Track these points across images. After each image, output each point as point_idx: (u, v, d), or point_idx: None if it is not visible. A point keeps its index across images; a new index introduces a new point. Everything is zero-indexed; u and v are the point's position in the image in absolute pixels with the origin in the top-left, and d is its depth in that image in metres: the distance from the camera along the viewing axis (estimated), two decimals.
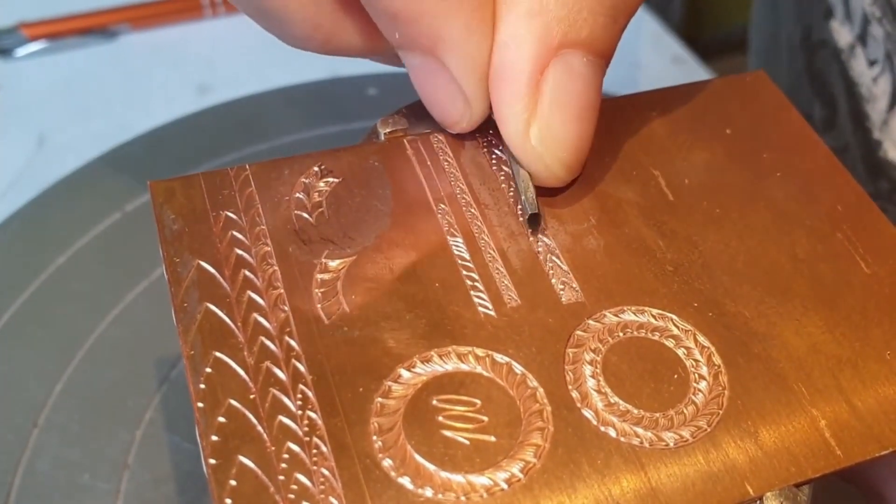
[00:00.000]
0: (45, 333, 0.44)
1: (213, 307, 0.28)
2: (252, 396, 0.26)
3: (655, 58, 0.64)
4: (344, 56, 0.33)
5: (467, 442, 0.26)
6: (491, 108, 0.31)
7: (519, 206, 0.31)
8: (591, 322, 0.29)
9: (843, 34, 0.53)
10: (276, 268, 0.29)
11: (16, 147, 0.54)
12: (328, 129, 0.54)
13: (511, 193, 0.31)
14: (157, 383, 0.43)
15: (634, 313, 0.29)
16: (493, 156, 0.32)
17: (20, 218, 0.49)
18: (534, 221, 0.31)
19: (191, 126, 0.54)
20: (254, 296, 0.28)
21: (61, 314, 0.45)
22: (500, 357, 0.27)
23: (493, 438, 0.26)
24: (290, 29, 0.31)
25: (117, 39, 0.61)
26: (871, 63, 0.51)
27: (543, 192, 0.31)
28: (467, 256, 0.30)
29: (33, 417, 0.41)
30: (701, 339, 0.29)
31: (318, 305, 0.28)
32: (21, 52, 0.59)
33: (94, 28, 0.60)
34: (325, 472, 0.25)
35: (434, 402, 0.26)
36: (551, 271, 0.30)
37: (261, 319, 0.27)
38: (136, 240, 0.48)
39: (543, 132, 0.30)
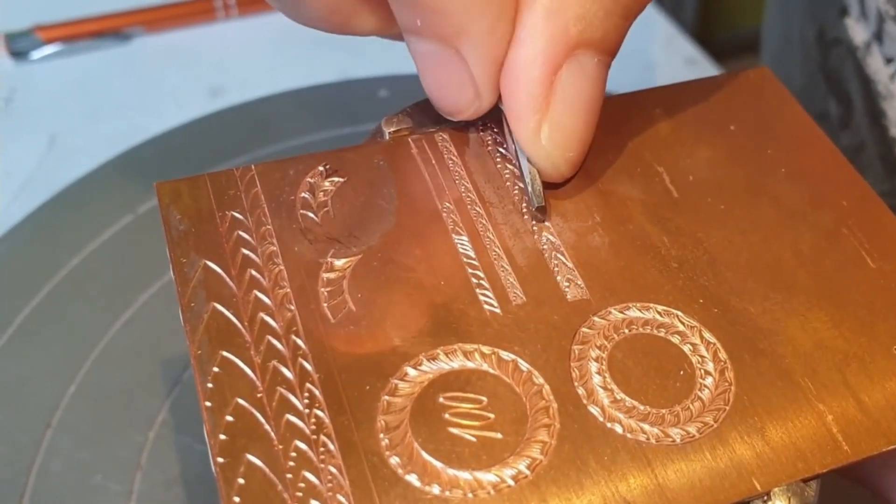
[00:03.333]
0: (59, 335, 0.44)
1: (219, 307, 0.28)
2: (259, 395, 0.26)
3: (668, 59, 0.64)
4: (357, 36, 0.33)
5: (474, 439, 0.26)
6: (499, 99, 0.31)
7: (525, 198, 0.31)
8: (596, 319, 0.29)
9: (858, 32, 0.53)
10: (282, 267, 0.29)
11: (30, 149, 0.54)
12: (340, 132, 0.54)
13: (516, 192, 0.31)
14: (169, 385, 0.43)
15: (640, 310, 0.29)
16: (498, 154, 0.32)
17: (33, 220, 0.49)
18: (540, 214, 0.31)
19: (203, 128, 0.55)
20: (260, 295, 0.28)
21: (74, 316, 0.45)
22: (505, 354, 0.27)
23: (499, 435, 0.26)
24: (306, 11, 0.31)
25: (131, 42, 0.61)
26: (888, 61, 0.51)
27: (548, 189, 0.31)
28: (472, 255, 0.30)
29: (46, 418, 0.41)
30: (706, 335, 0.29)
31: (325, 304, 0.28)
32: (36, 54, 0.59)
33: (109, 31, 0.60)
34: (333, 469, 0.25)
35: (440, 399, 0.26)
36: (556, 269, 0.30)
37: (267, 319, 0.28)
38: (148, 242, 0.48)
39: (554, 132, 0.30)
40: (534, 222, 0.31)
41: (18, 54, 0.59)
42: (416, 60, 0.31)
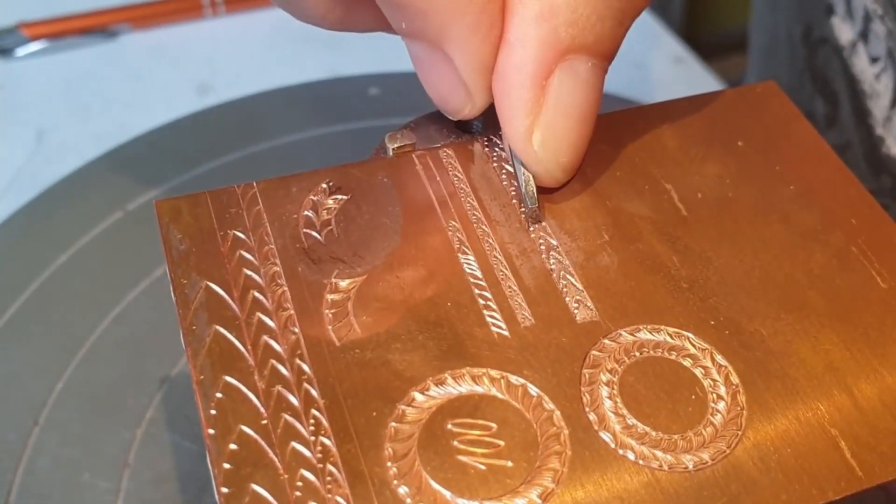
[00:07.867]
0: (47, 332, 0.44)
1: (222, 330, 0.27)
2: (264, 422, 0.25)
3: (656, 58, 0.64)
4: (355, 32, 0.33)
5: (484, 467, 0.25)
6: (493, 100, 0.31)
7: (516, 199, 0.31)
8: (606, 341, 0.28)
9: (844, 31, 0.53)
10: (285, 288, 0.28)
11: (16, 147, 0.54)
12: (329, 129, 0.54)
13: (523, 209, 0.31)
14: (157, 382, 0.43)
15: (650, 332, 0.29)
16: (504, 172, 0.32)
17: (21, 217, 0.49)
18: (533, 216, 0.31)
19: (191, 126, 0.54)
20: (263, 318, 0.28)
21: (62, 313, 0.45)
22: (515, 379, 0.27)
23: (509, 463, 0.25)
24: (305, 8, 0.31)
25: (118, 39, 0.61)
26: (873, 60, 0.51)
27: (555, 207, 0.31)
28: (479, 275, 0.29)
29: (34, 416, 0.41)
30: (718, 358, 0.28)
31: (329, 327, 0.28)
32: (21, 51, 0.59)
33: (95, 28, 0.60)
34: (340, 500, 0.24)
35: (449, 426, 0.26)
36: (565, 289, 0.29)
37: (271, 342, 0.27)
38: (136, 239, 0.48)
39: (546, 137, 0.30)
40: (531, 227, 0.31)
41: (3, 51, 0.59)
42: (413, 62, 0.31)
